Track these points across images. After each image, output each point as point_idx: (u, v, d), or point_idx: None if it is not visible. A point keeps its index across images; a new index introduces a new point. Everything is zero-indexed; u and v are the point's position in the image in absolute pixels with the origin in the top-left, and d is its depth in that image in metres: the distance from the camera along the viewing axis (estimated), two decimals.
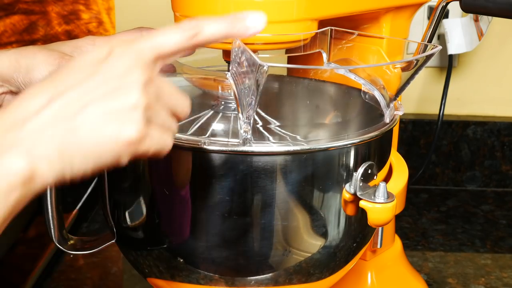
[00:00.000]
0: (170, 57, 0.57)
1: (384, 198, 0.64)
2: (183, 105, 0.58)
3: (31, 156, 0.53)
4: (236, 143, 0.63)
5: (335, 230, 0.68)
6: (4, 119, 0.53)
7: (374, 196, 0.64)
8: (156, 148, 0.56)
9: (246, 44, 0.64)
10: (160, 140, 0.56)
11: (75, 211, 1.07)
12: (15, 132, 0.53)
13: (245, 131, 0.63)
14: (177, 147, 0.64)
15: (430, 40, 0.81)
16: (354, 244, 0.71)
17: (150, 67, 0.55)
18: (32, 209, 0.98)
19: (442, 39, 1.18)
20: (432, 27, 0.81)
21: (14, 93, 0.74)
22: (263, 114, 0.75)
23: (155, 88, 0.55)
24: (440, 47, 0.67)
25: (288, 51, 0.73)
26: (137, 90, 0.54)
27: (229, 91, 0.73)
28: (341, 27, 0.73)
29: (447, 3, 0.80)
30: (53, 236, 0.71)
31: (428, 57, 0.66)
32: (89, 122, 0.54)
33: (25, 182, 0.52)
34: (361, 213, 0.65)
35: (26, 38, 1.19)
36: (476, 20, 1.13)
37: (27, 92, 0.55)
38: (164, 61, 0.57)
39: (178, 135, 0.64)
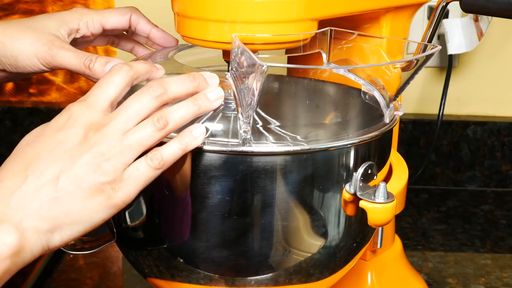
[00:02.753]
0: None
1: (384, 198, 0.64)
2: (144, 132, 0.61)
3: (20, 229, 0.56)
4: (236, 143, 0.63)
5: (335, 230, 0.68)
6: None
7: (374, 196, 0.64)
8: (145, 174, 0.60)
9: (246, 44, 0.64)
10: (142, 169, 0.60)
11: None
12: (2, 207, 0.56)
13: (244, 131, 0.63)
14: None
15: (430, 40, 0.81)
16: (354, 244, 0.71)
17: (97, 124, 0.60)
18: None
19: (442, 39, 1.18)
20: (432, 27, 0.80)
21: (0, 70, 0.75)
22: (263, 114, 0.75)
23: (104, 137, 0.59)
24: (440, 47, 0.67)
25: (288, 51, 0.73)
26: (94, 152, 0.59)
27: (229, 91, 0.73)
28: (341, 27, 0.73)
29: (447, 3, 0.80)
30: None
31: (428, 57, 0.66)
32: (67, 191, 0.58)
33: (15, 254, 0.56)
34: (361, 213, 0.65)
35: None
36: (476, 20, 1.13)
37: (4, 170, 0.59)
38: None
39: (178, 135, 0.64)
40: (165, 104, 0.62)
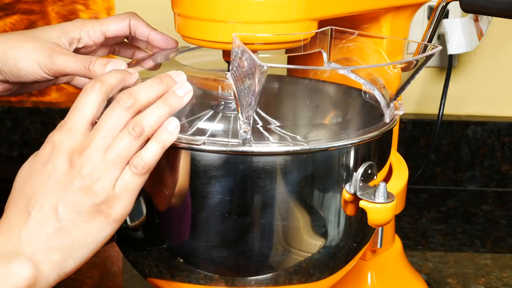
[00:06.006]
0: None
1: (384, 198, 0.64)
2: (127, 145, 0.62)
3: (34, 261, 0.59)
4: (236, 143, 0.63)
5: (335, 230, 0.68)
6: (0, 234, 0.60)
7: (374, 196, 0.64)
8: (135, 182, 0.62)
9: (246, 44, 0.64)
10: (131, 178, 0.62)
11: None
12: (13, 242, 0.59)
13: (245, 131, 0.63)
14: (177, 147, 0.64)
15: (430, 40, 0.81)
16: (354, 244, 0.71)
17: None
18: None
19: (442, 39, 1.18)
20: (432, 27, 0.80)
21: (1, 81, 0.75)
22: (263, 114, 0.75)
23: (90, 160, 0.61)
24: (440, 47, 0.67)
25: (288, 51, 0.73)
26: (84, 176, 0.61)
27: (229, 91, 0.73)
28: (341, 27, 0.73)
29: (447, 3, 0.80)
30: None
31: (428, 57, 0.66)
32: (68, 219, 0.60)
33: (31, 285, 0.59)
34: (361, 213, 0.65)
35: None
36: (476, 20, 1.13)
37: (9, 209, 0.61)
38: None
39: (178, 135, 0.64)
40: (138, 112, 0.63)
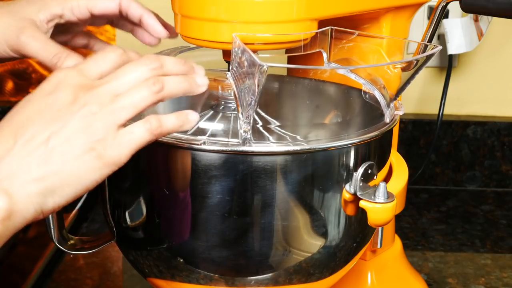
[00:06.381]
0: None
1: (384, 198, 0.64)
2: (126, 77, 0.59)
3: (9, 193, 0.55)
4: (236, 143, 0.63)
5: (335, 230, 0.68)
6: None
7: (374, 196, 0.64)
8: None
9: (246, 44, 0.64)
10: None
11: (75, 211, 1.07)
12: None
13: (245, 131, 0.63)
14: (177, 147, 0.64)
15: (430, 40, 0.81)
16: (354, 244, 0.71)
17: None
18: None
19: (442, 39, 1.18)
20: (432, 27, 0.81)
21: None
22: (263, 114, 0.75)
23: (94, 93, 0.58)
24: (440, 47, 0.67)
25: (288, 51, 0.73)
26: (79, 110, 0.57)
27: (229, 91, 0.73)
28: (341, 27, 0.73)
29: (447, 3, 0.80)
30: (53, 236, 0.71)
31: (428, 57, 0.66)
32: (57, 151, 0.56)
33: (6, 218, 0.55)
34: (361, 213, 0.65)
35: None
36: (476, 20, 1.13)
37: None
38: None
39: (178, 135, 0.64)
40: None
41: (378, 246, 0.81)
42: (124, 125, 0.58)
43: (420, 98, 1.25)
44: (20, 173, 0.56)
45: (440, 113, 1.17)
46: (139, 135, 0.58)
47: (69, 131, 0.57)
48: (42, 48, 0.70)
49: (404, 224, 1.13)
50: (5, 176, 0.56)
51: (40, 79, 1.23)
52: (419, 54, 0.71)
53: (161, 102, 0.62)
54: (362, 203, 0.64)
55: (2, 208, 0.54)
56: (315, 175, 0.65)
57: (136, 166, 0.66)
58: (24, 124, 0.57)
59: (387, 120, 0.70)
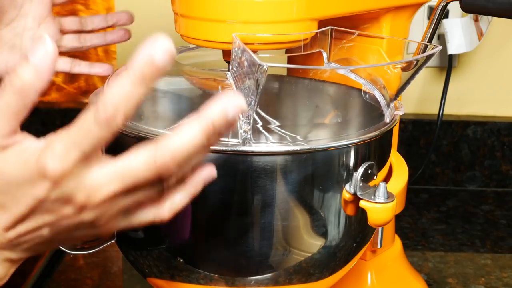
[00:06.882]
0: None
1: (384, 198, 0.64)
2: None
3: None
4: (236, 143, 0.63)
5: (335, 230, 0.68)
6: None
7: (374, 196, 0.64)
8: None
9: (246, 44, 0.64)
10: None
11: None
12: None
13: (245, 131, 0.63)
14: None
15: (430, 40, 0.81)
16: (354, 244, 0.71)
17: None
18: None
19: (442, 39, 1.18)
20: (432, 27, 0.81)
21: None
22: (263, 114, 0.75)
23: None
24: (440, 47, 0.67)
25: (288, 51, 0.73)
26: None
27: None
28: (341, 27, 0.73)
29: (447, 3, 0.80)
30: None
31: (428, 57, 0.66)
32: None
33: None
34: (361, 213, 0.65)
35: None
36: (476, 20, 1.13)
37: None
38: None
39: None
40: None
41: (378, 246, 0.81)
42: None
43: (420, 98, 1.25)
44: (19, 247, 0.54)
45: (440, 113, 1.17)
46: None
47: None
48: None
49: (404, 224, 1.13)
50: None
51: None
52: (419, 54, 0.71)
53: (161, 102, 0.61)
54: (362, 203, 0.64)
55: None
56: (315, 175, 0.65)
57: None
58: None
59: (387, 120, 0.70)
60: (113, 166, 0.49)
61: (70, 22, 0.85)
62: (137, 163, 0.49)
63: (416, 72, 0.67)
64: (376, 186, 0.65)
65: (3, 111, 0.51)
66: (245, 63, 0.63)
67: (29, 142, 0.53)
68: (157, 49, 0.45)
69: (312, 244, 0.68)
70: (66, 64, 0.85)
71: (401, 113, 0.72)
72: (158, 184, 0.52)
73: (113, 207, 0.51)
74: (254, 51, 0.64)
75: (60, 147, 0.49)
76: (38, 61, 0.49)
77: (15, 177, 0.50)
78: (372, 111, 0.72)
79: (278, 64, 0.69)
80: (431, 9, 1.16)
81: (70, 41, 0.85)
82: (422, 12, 1.17)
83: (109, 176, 0.49)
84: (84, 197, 0.49)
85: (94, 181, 0.49)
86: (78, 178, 0.49)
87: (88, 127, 0.48)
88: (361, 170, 0.66)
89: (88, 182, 0.49)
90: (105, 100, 0.47)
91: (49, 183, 0.49)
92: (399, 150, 0.82)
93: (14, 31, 0.79)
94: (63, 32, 0.85)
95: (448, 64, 1.17)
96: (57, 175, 0.48)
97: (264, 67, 0.59)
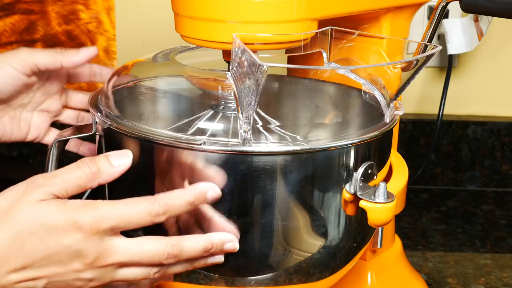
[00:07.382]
0: None
1: (384, 198, 0.64)
2: None
3: None
4: (236, 143, 0.63)
5: (335, 230, 0.68)
6: None
7: (374, 196, 0.64)
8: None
9: (246, 44, 0.64)
10: None
11: None
12: None
13: (245, 131, 0.63)
14: (177, 147, 0.64)
15: (430, 40, 0.81)
16: (354, 244, 0.71)
17: None
18: None
19: (442, 39, 1.18)
20: (432, 27, 0.80)
21: None
22: (263, 114, 0.75)
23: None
24: (440, 47, 0.67)
25: (288, 51, 0.73)
26: None
27: (229, 91, 0.73)
28: (341, 27, 0.73)
29: (447, 3, 0.80)
30: None
31: (428, 57, 0.66)
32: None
33: None
34: (361, 213, 0.65)
35: (26, 38, 1.19)
36: (476, 20, 1.13)
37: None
38: None
39: (178, 134, 0.64)
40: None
41: (378, 246, 0.81)
42: None
43: (420, 98, 1.25)
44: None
45: (440, 113, 1.17)
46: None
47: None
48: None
49: (404, 224, 1.13)
50: None
51: None
52: (419, 54, 0.71)
53: (161, 102, 0.62)
54: (362, 203, 0.64)
55: None
56: (315, 175, 0.65)
57: (136, 166, 0.66)
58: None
59: (387, 120, 0.70)
60: (132, 242, 0.61)
61: (77, 99, 0.84)
62: (150, 246, 0.61)
63: (416, 72, 0.67)
64: (376, 186, 0.65)
65: (72, 181, 0.61)
66: (245, 63, 0.63)
67: (73, 200, 0.61)
68: (211, 190, 0.62)
69: (312, 244, 0.68)
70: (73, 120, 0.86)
71: (401, 113, 0.72)
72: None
73: (111, 273, 0.60)
74: (254, 51, 0.64)
75: (106, 211, 0.59)
76: (117, 168, 0.62)
77: (50, 220, 0.57)
78: (372, 111, 0.72)
79: (278, 64, 0.69)
80: (431, 9, 1.16)
81: (69, 118, 0.84)
82: (422, 12, 1.17)
83: (125, 246, 0.60)
84: (94, 257, 0.59)
85: (112, 246, 0.59)
86: (101, 241, 0.59)
87: (139, 213, 0.60)
88: (361, 170, 0.66)
89: (106, 246, 0.59)
90: (161, 199, 0.60)
91: (81, 234, 0.57)
92: (399, 150, 0.82)
93: (20, 101, 0.79)
94: (66, 107, 0.84)
95: (448, 64, 1.17)
96: (93, 231, 0.58)
97: (264, 67, 0.59)
